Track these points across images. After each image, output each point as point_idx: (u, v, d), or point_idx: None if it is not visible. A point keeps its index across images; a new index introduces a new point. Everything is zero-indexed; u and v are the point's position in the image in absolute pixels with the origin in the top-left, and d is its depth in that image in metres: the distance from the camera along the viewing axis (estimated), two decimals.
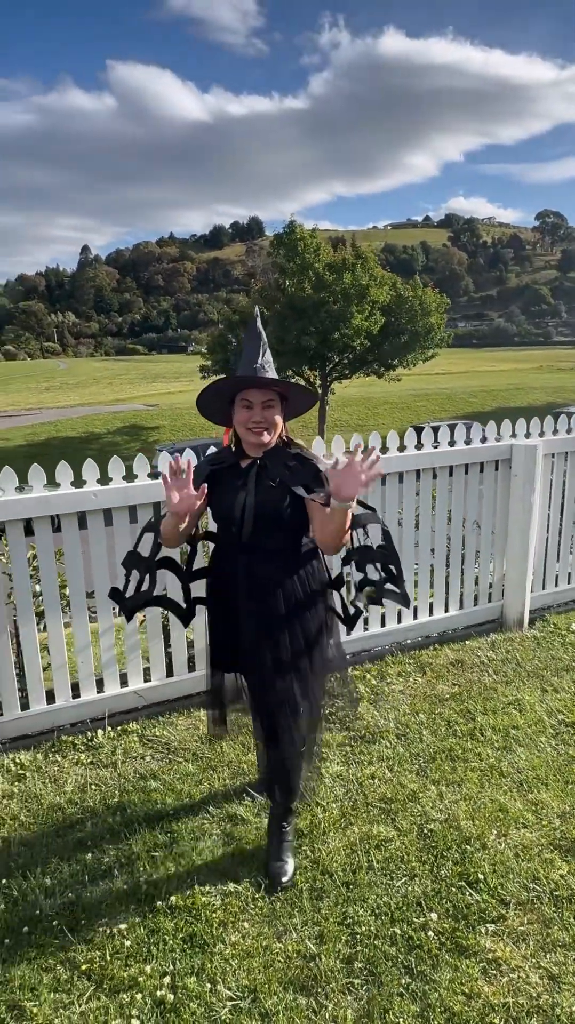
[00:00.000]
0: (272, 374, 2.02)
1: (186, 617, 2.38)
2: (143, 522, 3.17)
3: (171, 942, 2.00)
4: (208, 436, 23.81)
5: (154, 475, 3.22)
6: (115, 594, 2.21)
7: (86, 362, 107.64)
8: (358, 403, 36.29)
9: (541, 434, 4.28)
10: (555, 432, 4.34)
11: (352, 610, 2.21)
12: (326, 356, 24.06)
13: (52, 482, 3.06)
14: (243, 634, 2.12)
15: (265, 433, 2.01)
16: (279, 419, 2.04)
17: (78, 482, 3.08)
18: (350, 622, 2.23)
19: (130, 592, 2.21)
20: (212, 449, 3.29)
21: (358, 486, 1.79)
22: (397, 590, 2.14)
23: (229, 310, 28.53)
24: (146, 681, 3.40)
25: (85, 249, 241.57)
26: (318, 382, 26.39)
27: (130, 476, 3.18)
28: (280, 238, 24.67)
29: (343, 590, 2.38)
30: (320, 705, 2.29)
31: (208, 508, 2.16)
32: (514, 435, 4.20)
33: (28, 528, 3.00)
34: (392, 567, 2.15)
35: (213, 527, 2.22)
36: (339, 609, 2.27)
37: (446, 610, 4.13)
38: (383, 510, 3.78)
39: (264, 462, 2.05)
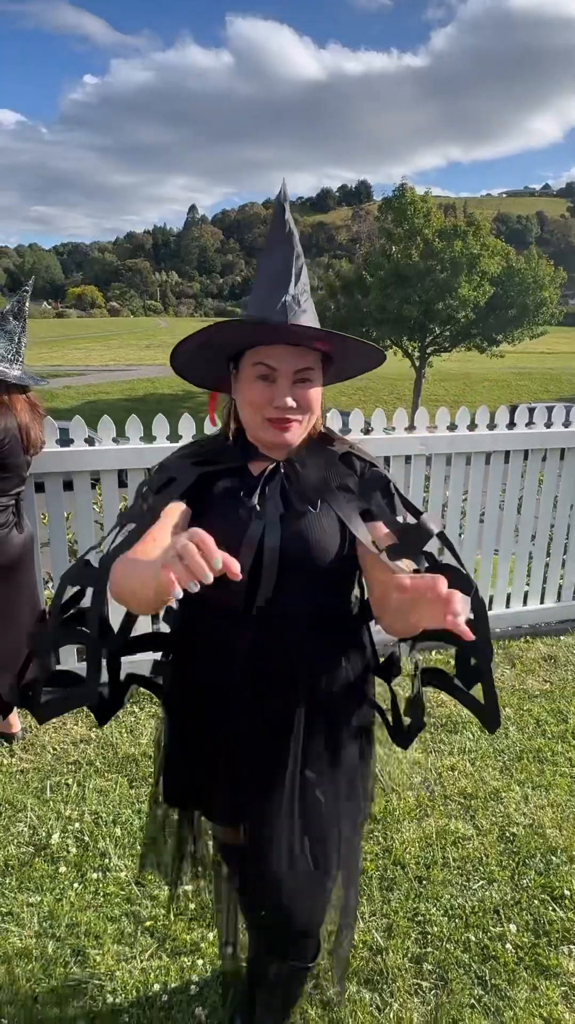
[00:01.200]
0: (312, 318, 1.11)
1: (104, 714, 1.31)
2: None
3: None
4: None
5: None
6: (24, 699, 1.49)
7: (186, 321, 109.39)
8: (456, 378, 35.11)
9: None
10: None
11: (408, 720, 1.30)
12: (427, 327, 23.26)
13: (149, 435, 3.03)
14: (240, 761, 1.23)
15: (295, 426, 1.14)
16: (318, 399, 1.16)
17: (174, 437, 3.04)
18: (403, 738, 1.32)
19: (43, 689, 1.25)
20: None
21: (440, 622, 0.85)
22: (480, 703, 1.18)
23: (331, 275, 28.00)
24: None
25: (192, 209, 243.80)
26: (417, 354, 25.62)
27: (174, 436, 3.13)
28: (389, 202, 23.83)
29: (396, 682, 1.35)
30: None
31: None
32: None
33: (122, 481, 3.00)
34: (477, 659, 1.22)
35: None
36: (389, 715, 1.35)
37: (541, 601, 3.88)
38: (485, 491, 3.57)
39: (292, 468, 1.19)
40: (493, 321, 23.47)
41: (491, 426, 3.55)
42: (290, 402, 1.10)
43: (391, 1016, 1.68)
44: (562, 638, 3.75)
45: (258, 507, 1.14)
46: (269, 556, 1.11)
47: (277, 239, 1.12)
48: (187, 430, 3.03)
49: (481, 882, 2.09)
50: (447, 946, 1.87)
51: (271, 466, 1.18)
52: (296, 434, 1.15)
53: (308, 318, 1.08)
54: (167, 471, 1.19)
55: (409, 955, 1.84)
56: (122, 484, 3.01)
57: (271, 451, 1.18)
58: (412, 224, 21.65)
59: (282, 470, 1.19)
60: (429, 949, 1.86)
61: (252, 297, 1.14)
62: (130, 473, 2.97)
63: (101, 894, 2.01)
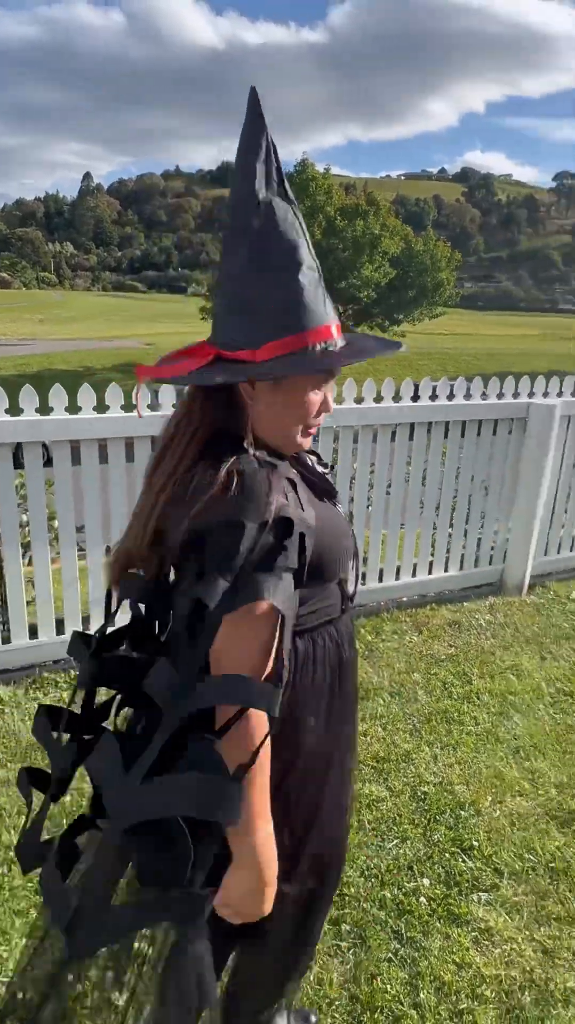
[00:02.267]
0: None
1: None
2: (142, 459, 2.98)
3: None
4: None
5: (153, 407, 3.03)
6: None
7: (83, 296, 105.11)
8: None
9: (560, 394, 4.10)
10: (574, 394, 4.16)
11: None
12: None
13: (45, 408, 2.86)
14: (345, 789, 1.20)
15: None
16: None
17: (72, 408, 2.89)
18: None
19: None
20: None
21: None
22: None
23: None
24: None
25: (87, 177, 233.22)
26: None
27: (129, 406, 2.98)
28: (290, 177, 23.68)
29: None
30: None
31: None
32: (531, 394, 4.02)
33: (16, 459, 2.82)
34: None
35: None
36: None
37: (445, 570, 4.02)
38: (391, 463, 3.63)
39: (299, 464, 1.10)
40: (394, 301, 23.99)
41: (396, 399, 3.61)
42: (327, 404, 1.03)
43: (311, 979, 1.69)
44: (465, 604, 3.90)
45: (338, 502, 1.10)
46: (355, 544, 1.11)
47: (289, 239, 0.91)
48: (87, 401, 2.88)
49: (395, 841, 2.14)
50: (364, 905, 1.90)
51: (306, 462, 1.11)
52: None
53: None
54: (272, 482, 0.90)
55: (328, 918, 1.86)
56: (18, 465, 2.85)
57: (289, 453, 1.04)
58: (314, 201, 21.68)
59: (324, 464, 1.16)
60: (347, 910, 1.89)
61: (293, 295, 0.92)
62: (25, 447, 2.81)
63: (7, 888, 1.91)
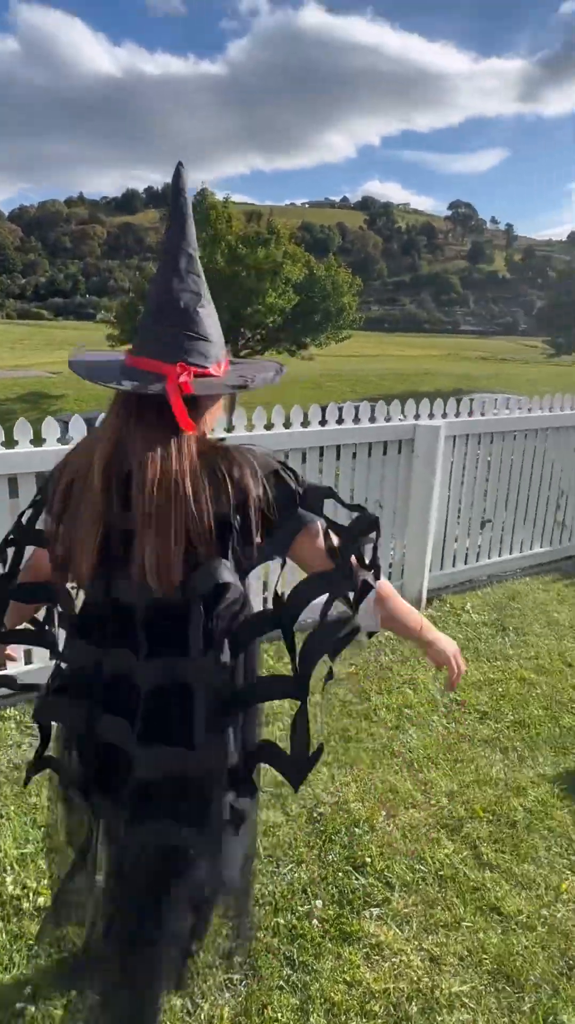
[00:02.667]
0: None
1: None
2: (24, 497, 2.94)
3: (35, 948, 1.85)
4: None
5: (64, 441, 2.99)
6: None
7: None
8: None
9: (444, 416, 4.30)
10: (458, 415, 4.38)
11: None
12: (239, 331, 23.75)
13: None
14: None
15: None
16: None
17: None
18: None
19: None
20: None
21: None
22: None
23: (141, 278, 27.53)
24: (27, 664, 3.18)
25: None
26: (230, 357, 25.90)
27: (10, 442, 2.93)
28: (192, 206, 23.88)
29: None
30: None
31: None
32: (418, 416, 4.20)
33: None
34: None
35: None
36: None
37: None
38: None
39: None
40: (300, 326, 24.53)
41: (287, 425, 3.69)
42: None
43: (202, 1018, 1.68)
44: None
45: None
46: None
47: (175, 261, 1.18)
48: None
49: (291, 866, 2.16)
50: (257, 935, 1.90)
51: None
52: None
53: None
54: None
55: (220, 952, 1.85)
56: None
57: None
58: (215, 229, 21.94)
59: None
60: (239, 940, 1.88)
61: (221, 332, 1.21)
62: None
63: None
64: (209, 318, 1.17)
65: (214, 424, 1.26)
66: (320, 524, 1.20)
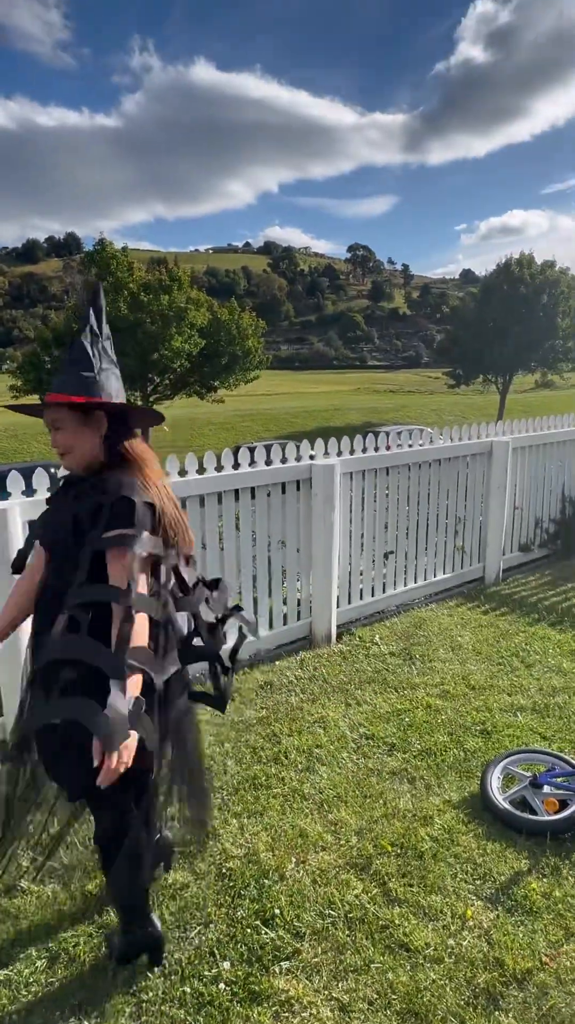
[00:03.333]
0: (99, 385, 1.73)
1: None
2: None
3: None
4: (19, 460, 22.19)
5: None
6: None
7: None
8: (184, 424, 36.10)
9: (339, 453, 4.42)
10: (352, 452, 4.50)
11: None
12: (147, 377, 23.65)
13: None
14: None
15: (66, 457, 1.76)
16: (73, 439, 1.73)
17: None
18: None
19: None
20: (15, 475, 3.06)
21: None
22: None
23: (44, 327, 27.10)
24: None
25: None
26: (140, 403, 25.84)
27: None
28: (92, 256, 23.88)
29: None
30: None
31: None
32: (313, 456, 4.30)
33: None
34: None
35: None
36: None
37: (255, 633, 4.09)
38: (203, 532, 3.67)
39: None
40: (207, 369, 24.68)
41: (182, 473, 3.69)
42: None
43: None
44: (277, 663, 3.99)
45: None
46: None
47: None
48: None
49: (198, 928, 2.09)
50: (163, 1008, 1.83)
51: None
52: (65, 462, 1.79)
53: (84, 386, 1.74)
54: None
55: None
56: None
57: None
58: (116, 277, 21.91)
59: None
60: (143, 1019, 1.80)
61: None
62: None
63: None
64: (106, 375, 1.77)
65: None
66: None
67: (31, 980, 1.92)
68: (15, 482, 3.07)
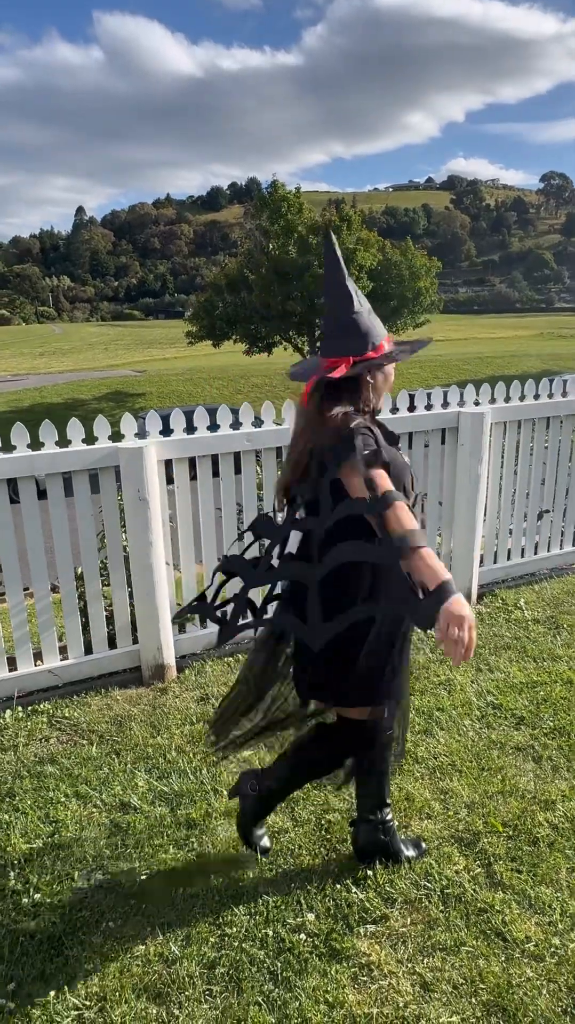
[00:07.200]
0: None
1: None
2: (80, 492, 3.07)
3: (26, 944, 1.88)
4: (194, 402, 23.31)
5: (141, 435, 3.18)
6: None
7: (82, 327, 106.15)
8: None
9: (492, 401, 4.07)
10: (507, 399, 4.12)
11: None
12: (314, 322, 23.58)
13: (36, 442, 3.01)
14: None
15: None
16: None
17: (63, 442, 3.04)
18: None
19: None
20: (202, 411, 3.24)
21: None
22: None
23: (219, 273, 27.81)
24: (63, 659, 3.27)
25: (79, 211, 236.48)
26: (307, 348, 25.91)
27: (63, 441, 3.06)
28: (264, 199, 23.90)
29: None
30: None
31: None
32: (462, 402, 3.99)
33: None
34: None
35: None
36: None
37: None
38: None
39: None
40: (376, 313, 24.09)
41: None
42: None
43: None
44: None
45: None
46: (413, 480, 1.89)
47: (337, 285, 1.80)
48: (20, 440, 2.95)
49: (289, 873, 2.09)
50: (244, 945, 1.85)
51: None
52: None
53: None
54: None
55: (204, 961, 1.82)
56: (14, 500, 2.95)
57: (379, 412, 1.91)
58: (287, 220, 21.80)
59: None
60: (224, 952, 1.84)
61: (376, 322, 1.78)
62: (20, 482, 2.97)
63: None
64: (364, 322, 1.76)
65: (384, 390, 1.83)
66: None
67: (130, 892, 2.03)
68: (201, 417, 3.30)
